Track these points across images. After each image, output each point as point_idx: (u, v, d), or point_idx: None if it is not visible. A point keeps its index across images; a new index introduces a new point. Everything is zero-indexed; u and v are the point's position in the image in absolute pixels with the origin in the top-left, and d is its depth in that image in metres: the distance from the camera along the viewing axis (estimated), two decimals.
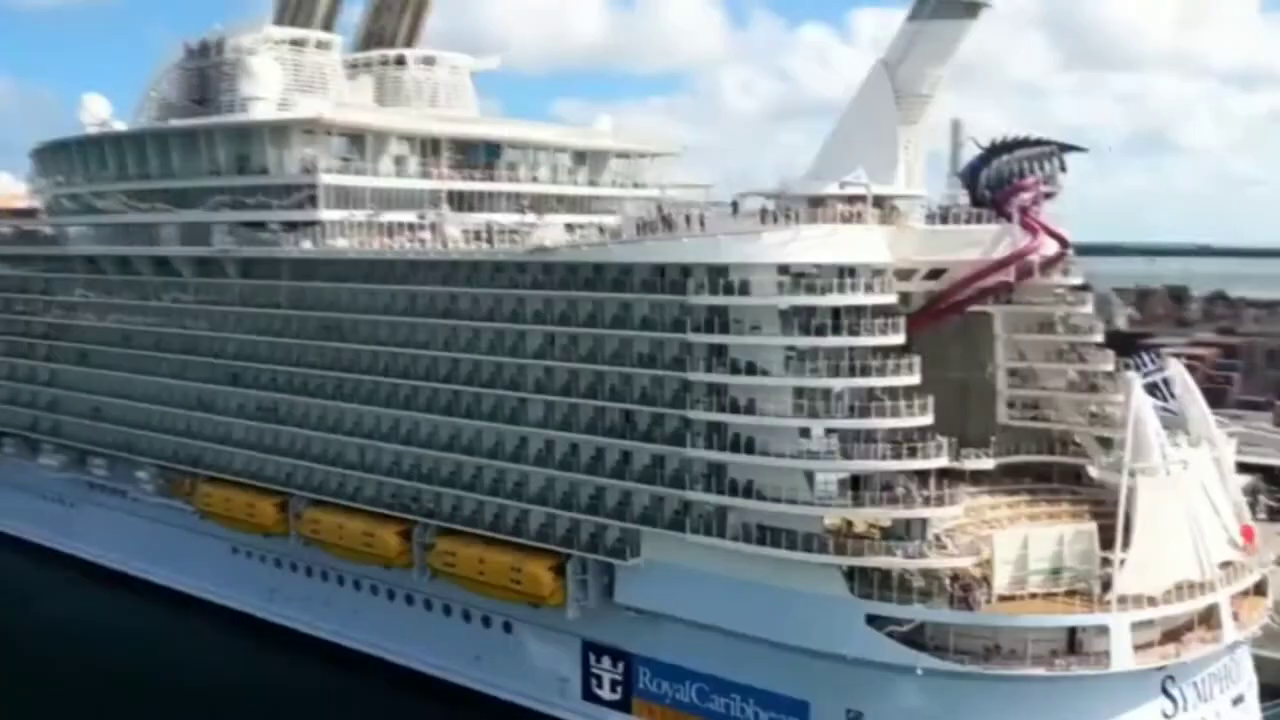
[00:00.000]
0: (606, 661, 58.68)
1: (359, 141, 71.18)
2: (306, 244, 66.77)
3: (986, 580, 48.26)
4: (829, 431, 49.08)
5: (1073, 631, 47.69)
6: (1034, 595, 48.47)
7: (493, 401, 59.67)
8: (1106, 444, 62.01)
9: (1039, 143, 57.97)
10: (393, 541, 63.57)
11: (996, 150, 58.38)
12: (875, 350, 49.38)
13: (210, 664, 70.59)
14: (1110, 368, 61.82)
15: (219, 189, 70.30)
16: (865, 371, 48.58)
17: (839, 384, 48.51)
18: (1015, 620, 46.99)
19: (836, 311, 49.31)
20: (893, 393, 49.12)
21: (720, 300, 49.82)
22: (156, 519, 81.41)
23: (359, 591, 69.49)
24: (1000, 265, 55.90)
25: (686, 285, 50.89)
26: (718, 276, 50.25)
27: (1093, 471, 61.84)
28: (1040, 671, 46.62)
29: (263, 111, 69.68)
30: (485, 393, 59.77)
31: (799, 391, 49.12)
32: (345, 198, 67.79)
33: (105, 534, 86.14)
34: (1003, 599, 47.96)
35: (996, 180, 57.34)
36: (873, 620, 48.18)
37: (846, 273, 49.45)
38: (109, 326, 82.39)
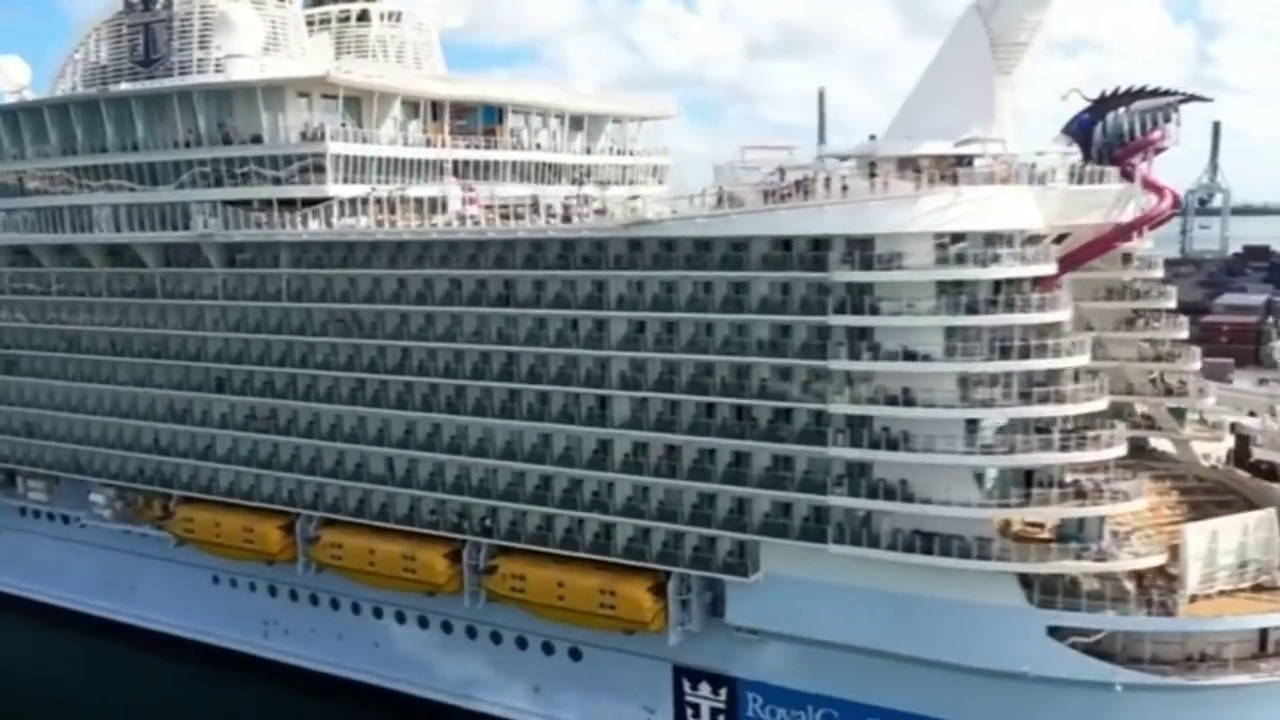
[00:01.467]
0: (705, 688, 51.91)
1: (353, 105, 61.60)
2: (315, 224, 57.14)
3: (1175, 579, 43.40)
4: (991, 422, 43.38)
5: (1264, 631, 43.26)
6: (1221, 593, 43.84)
7: (564, 401, 51.74)
8: (1179, 415, 58.60)
9: (1158, 93, 53.07)
10: (440, 565, 55.11)
11: (1107, 103, 53.39)
12: (1040, 328, 43.78)
13: (199, 710, 61.39)
14: (1184, 335, 58.23)
15: (199, 162, 59.62)
16: (1040, 352, 42.82)
17: (1014, 367, 42.64)
18: (1220, 624, 42.18)
19: (998, 285, 43.41)
20: (1054, 375, 43.72)
21: (873, 276, 43.21)
22: (113, 547, 70.48)
23: (381, 620, 60.76)
24: (1133, 228, 51.01)
25: (827, 260, 44.09)
26: (863, 249, 43.65)
27: (1157, 444, 58.60)
28: (1246, 679, 41.95)
29: (248, 70, 59.28)
30: (554, 390, 51.75)
31: (964, 378, 43.09)
32: (352, 169, 58.34)
33: (46, 567, 74.45)
34: (1193, 599, 43.19)
35: (1116, 135, 52.30)
36: (1053, 632, 42.82)
37: (1005, 240, 43.56)
38: (47, 328, 70.46)
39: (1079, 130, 53.73)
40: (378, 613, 60.81)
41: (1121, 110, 52.84)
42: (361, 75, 59.82)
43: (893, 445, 43.88)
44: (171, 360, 64.59)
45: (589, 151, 75.71)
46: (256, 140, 58.09)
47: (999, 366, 42.57)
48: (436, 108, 65.49)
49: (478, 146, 66.57)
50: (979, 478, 43.32)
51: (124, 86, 63.67)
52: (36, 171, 67.08)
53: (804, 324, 45.32)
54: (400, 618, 60.04)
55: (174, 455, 65.27)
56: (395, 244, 55.22)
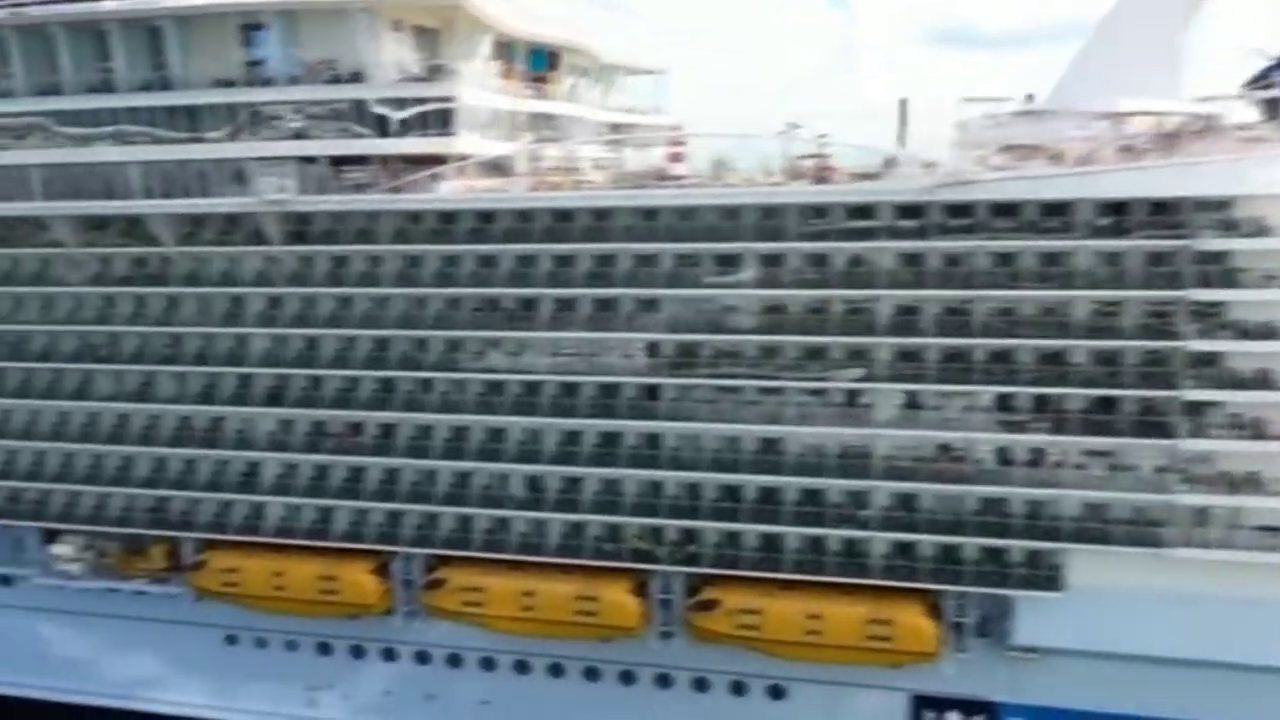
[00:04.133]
0: (954, 717, 45.51)
1: (430, 39, 49.31)
2: (446, 188, 45.12)
3: None
4: None
5: None
6: None
7: (822, 398, 43.29)
8: None
9: None
10: (630, 604, 45.34)
11: None
12: None
13: None
14: None
15: (264, 105, 45.33)
16: None
17: None
18: None
19: None
20: None
21: (1259, 244, 38.12)
22: (75, 611, 54.21)
23: (527, 673, 49.23)
24: None
25: (1186, 226, 38.58)
26: (1221, 212, 38.52)
27: None
28: None
29: None
30: (827, 385, 43.03)
31: None
32: (470, 121, 46.70)
33: None
34: None
35: None
36: None
37: None
38: None
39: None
40: (521, 666, 49.43)
41: None
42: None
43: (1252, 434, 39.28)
44: (189, 366, 49.74)
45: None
46: (355, 79, 44.86)
47: None
48: (504, 49, 54.07)
49: (541, 97, 55.96)
50: None
51: (107, 4, 47.37)
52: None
53: (1133, 300, 39.72)
54: (556, 669, 49.00)
55: (194, 489, 50.46)
56: (595, 212, 44.26)
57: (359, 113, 45.09)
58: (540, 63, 58.23)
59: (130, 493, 51.17)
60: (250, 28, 45.62)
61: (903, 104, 53.71)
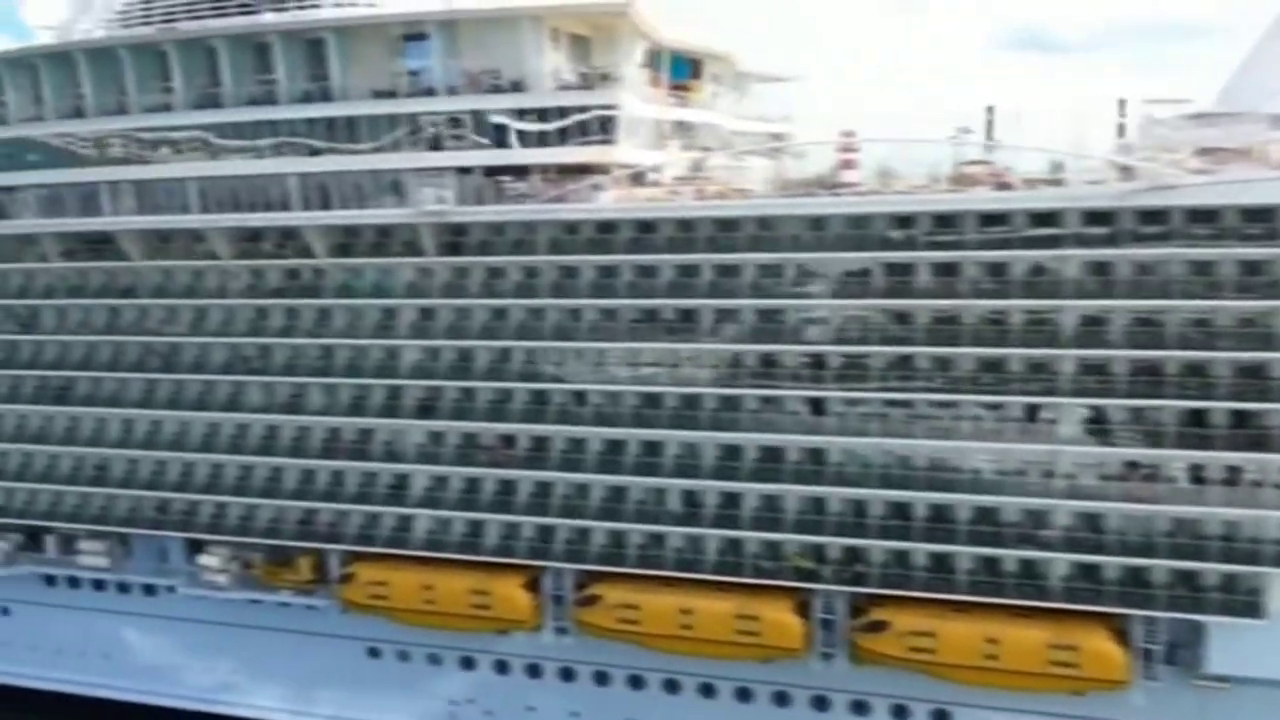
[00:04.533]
0: None
1: (582, 46, 48.78)
2: (605, 197, 44.41)
3: None
4: None
5: None
6: None
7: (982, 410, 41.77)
8: None
9: None
10: (793, 623, 43.98)
11: None
12: None
13: None
14: None
15: (426, 114, 44.98)
16: None
17: None
18: None
19: None
20: None
21: None
22: (214, 621, 54.36)
23: (677, 694, 48.04)
24: None
25: None
26: None
27: None
28: None
29: None
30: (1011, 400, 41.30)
31: None
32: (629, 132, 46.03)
33: (109, 651, 57.00)
34: None
35: None
36: None
37: None
38: (124, 341, 53.44)
39: None
40: (671, 685, 48.31)
41: None
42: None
43: None
44: (340, 378, 49.60)
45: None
46: (517, 88, 44.40)
47: None
48: (652, 56, 53.26)
49: (684, 105, 55.02)
50: None
51: (268, 17, 47.66)
52: (127, 132, 49.84)
53: None
54: (707, 689, 47.83)
55: (343, 501, 50.20)
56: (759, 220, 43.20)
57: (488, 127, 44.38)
58: (683, 71, 57.34)
59: (278, 504, 51.19)
60: (411, 38, 45.40)
61: (989, 111, 52.08)
